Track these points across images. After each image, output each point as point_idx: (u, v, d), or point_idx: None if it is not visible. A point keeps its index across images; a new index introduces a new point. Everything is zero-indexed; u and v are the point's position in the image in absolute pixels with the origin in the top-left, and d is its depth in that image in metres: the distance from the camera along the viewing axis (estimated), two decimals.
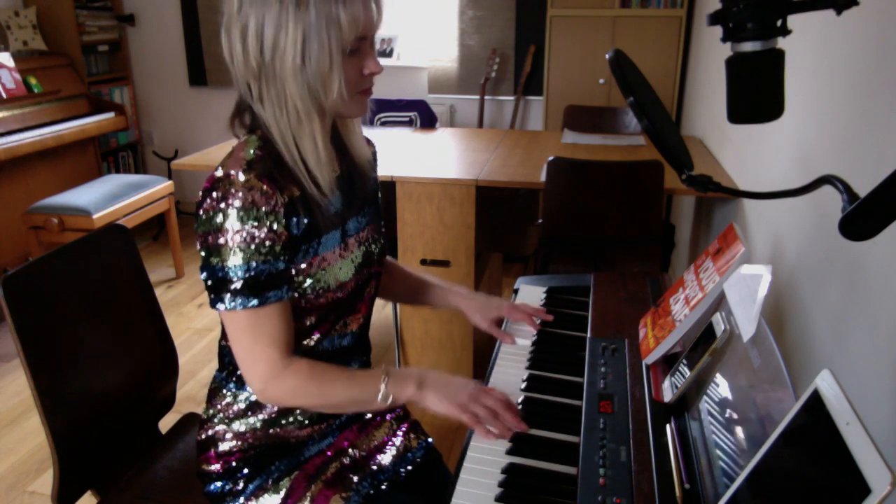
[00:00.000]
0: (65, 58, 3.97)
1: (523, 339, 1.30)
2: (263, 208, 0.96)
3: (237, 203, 0.95)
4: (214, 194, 0.96)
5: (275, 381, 1.02)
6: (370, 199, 1.19)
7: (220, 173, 0.97)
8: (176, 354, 1.49)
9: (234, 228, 0.95)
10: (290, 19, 0.92)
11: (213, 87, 4.45)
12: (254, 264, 0.96)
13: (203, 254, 0.98)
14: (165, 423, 1.47)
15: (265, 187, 0.96)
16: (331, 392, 1.05)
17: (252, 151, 1.00)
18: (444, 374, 1.08)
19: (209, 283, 0.98)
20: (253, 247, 0.96)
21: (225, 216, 0.95)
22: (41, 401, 1.14)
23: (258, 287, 0.97)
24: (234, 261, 0.96)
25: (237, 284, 0.97)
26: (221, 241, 0.96)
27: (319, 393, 1.04)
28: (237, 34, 0.95)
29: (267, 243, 0.97)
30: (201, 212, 0.97)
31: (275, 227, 0.97)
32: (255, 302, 0.97)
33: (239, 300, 0.97)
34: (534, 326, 1.32)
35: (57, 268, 1.23)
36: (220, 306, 0.98)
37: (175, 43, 4.44)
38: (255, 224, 0.96)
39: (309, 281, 1.04)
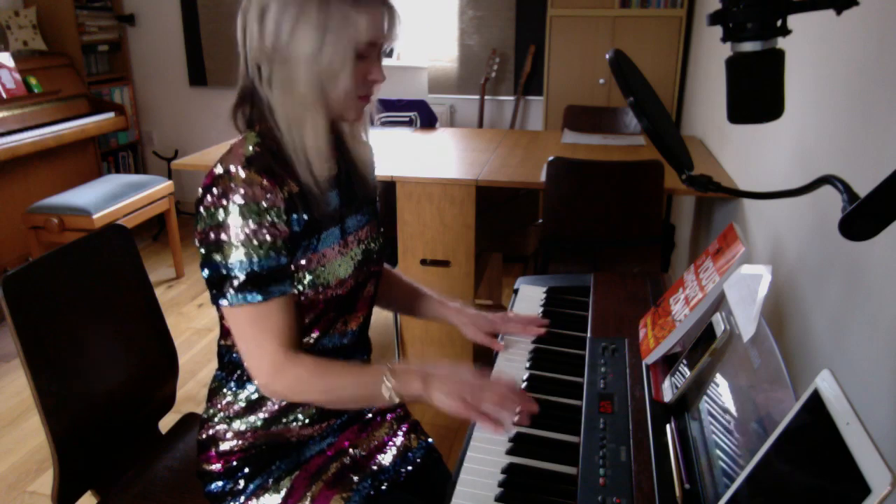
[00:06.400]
0: (65, 58, 3.96)
1: (523, 341, 1.29)
2: (264, 203, 0.96)
3: (238, 199, 0.95)
4: (215, 190, 0.96)
5: (279, 375, 1.02)
6: (369, 199, 1.20)
7: (219, 170, 0.98)
8: (176, 354, 1.49)
9: (236, 224, 0.96)
10: (314, 10, 0.94)
11: (213, 87, 4.44)
12: (256, 259, 0.97)
13: (203, 251, 0.98)
14: (165, 423, 1.47)
15: (265, 182, 0.97)
16: (334, 388, 1.04)
17: (251, 147, 1.01)
18: (444, 367, 1.05)
19: (211, 279, 0.98)
20: (255, 242, 0.96)
21: (227, 212, 0.95)
22: (41, 401, 1.14)
23: (261, 282, 0.98)
24: (237, 256, 0.96)
25: (240, 280, 0.97)
26: (223, 237, 0.96)
27: (323, 388, 1.04)
28: (255, 13, 0.97)
29: (269, 238, 0.97)
30: (202, 209, 0.97)
31: (276, 222, 0.98)
32: (258, 297, 0.98)
33: (242, 296, 0.97)
34: (529, 336, 1.30)
35: (57, 268, 1.24)
36: (223, 302, 0.98)
37: (175, 43, 4.44)
38: (257, 219, 0.96)
39: (308, 277, 1.04)
